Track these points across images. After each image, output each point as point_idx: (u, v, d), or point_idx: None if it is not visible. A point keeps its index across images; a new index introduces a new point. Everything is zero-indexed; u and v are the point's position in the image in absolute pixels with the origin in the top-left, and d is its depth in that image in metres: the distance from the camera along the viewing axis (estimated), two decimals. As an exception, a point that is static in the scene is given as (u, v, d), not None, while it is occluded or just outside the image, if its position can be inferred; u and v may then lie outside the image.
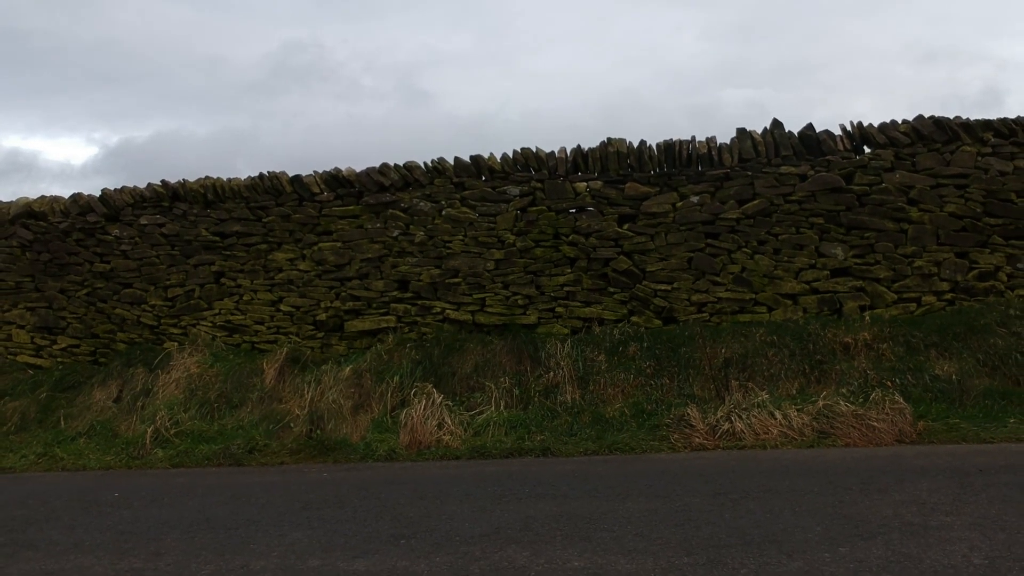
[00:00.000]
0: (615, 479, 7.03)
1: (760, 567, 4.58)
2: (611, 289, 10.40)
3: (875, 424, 7.89)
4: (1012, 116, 9.82)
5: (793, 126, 10.26)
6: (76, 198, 11.92)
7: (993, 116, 9.91)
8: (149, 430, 9.53)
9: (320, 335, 11.17)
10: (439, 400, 9.21)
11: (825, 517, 5.44)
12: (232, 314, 11.40)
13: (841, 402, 8.22)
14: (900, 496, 5.83)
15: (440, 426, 8.96)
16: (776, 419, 8.20)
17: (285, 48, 56.02)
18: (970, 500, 5.63)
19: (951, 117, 9.86)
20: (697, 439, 8.16)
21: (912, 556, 4.57)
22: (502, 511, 6.12)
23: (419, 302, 10.87)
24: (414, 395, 9.33)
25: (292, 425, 9.50)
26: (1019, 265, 9.61)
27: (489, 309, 10.68)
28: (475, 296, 10.72)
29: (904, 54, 48.20)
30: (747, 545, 4.96)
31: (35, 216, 11.99)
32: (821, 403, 8.27)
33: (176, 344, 11.30)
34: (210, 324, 11.44)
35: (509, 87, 55.94)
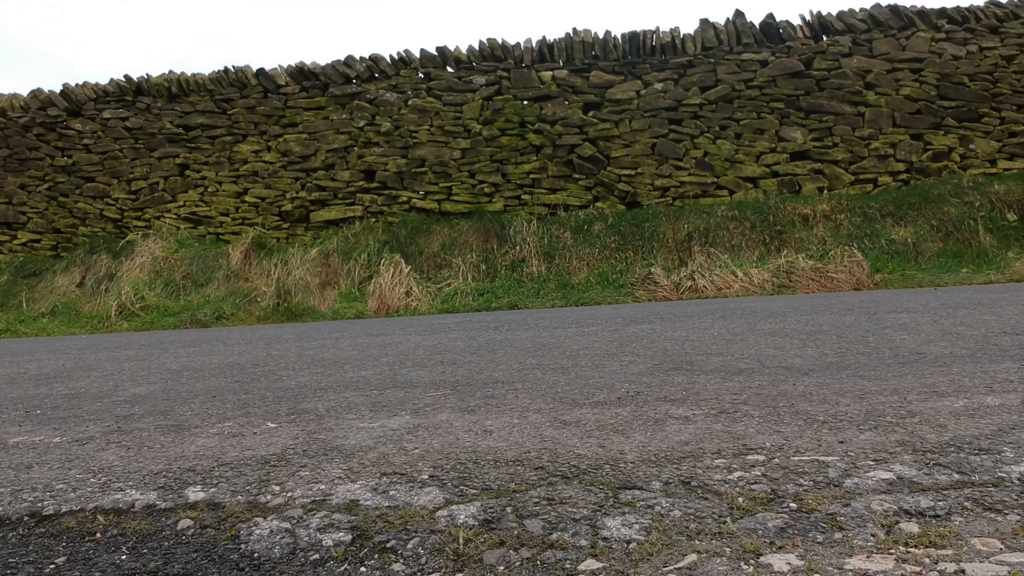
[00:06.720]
0: (587, 313, 7.16)
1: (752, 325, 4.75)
2: (576, 176, 10.51)
3: (834, 276, 8.12)
4: (965, 3, 10.11)
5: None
6: (36, 93, 11.75)
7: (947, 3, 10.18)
8: (114, 304, 9.47)
9: (286, 225, 11.14)
10: (407, 270, 9.28)
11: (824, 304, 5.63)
12: (197, 206, 11.32)
13: (800, 259, 8.45)
14: (869, 298, 6.04)
15: (408, 293, 9.04)
16: (737, 276, 8.41)
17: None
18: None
19: (906, 4, 10.13)
20: (661, 293, 8.34)
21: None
22: (494, 320, 6.23)
23: (385, 192, 10.89)
24: (382, 265, 9.38)
25: (259, 300, 9.49)
26: (971, 146, 9.90)
27: (455, 197, 10.73)
28: (441, 185, 10.76)
29: None
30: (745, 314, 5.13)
31: (-7, 112, 11.80)
32: (782, 260, 8.49)
33: (140, 235, 11.20)
34: (174, 216, 11.35)
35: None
